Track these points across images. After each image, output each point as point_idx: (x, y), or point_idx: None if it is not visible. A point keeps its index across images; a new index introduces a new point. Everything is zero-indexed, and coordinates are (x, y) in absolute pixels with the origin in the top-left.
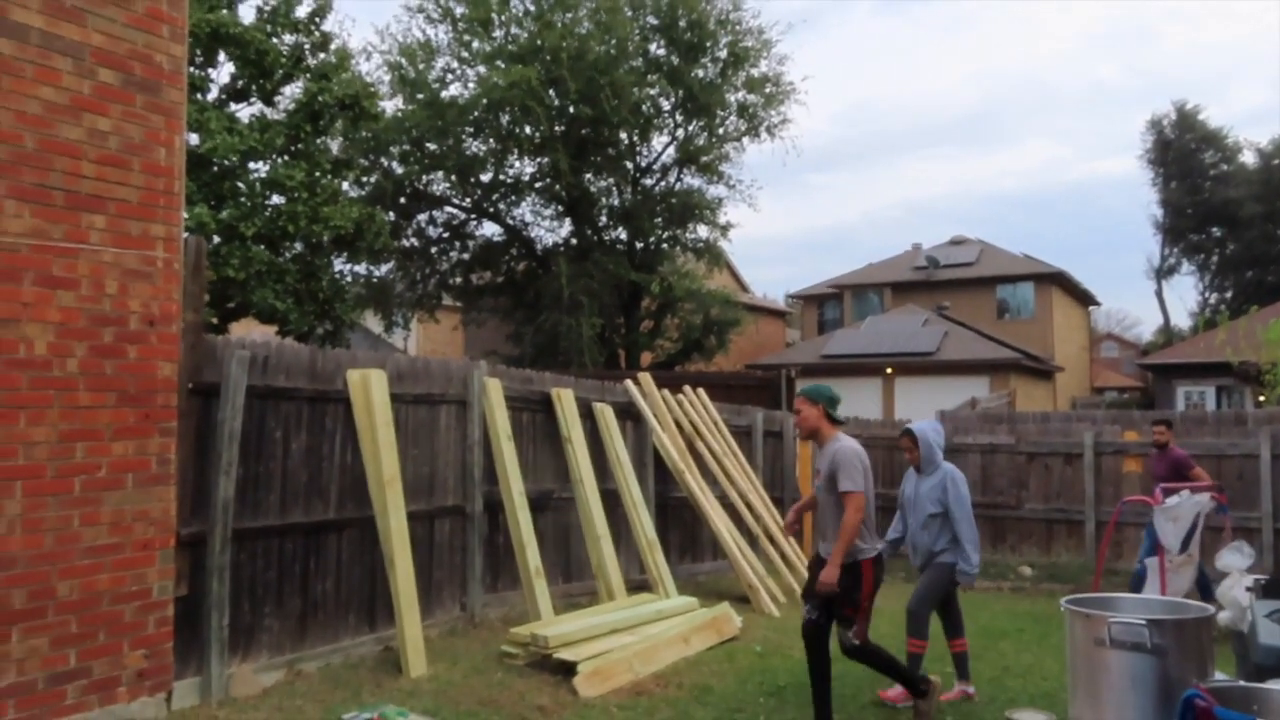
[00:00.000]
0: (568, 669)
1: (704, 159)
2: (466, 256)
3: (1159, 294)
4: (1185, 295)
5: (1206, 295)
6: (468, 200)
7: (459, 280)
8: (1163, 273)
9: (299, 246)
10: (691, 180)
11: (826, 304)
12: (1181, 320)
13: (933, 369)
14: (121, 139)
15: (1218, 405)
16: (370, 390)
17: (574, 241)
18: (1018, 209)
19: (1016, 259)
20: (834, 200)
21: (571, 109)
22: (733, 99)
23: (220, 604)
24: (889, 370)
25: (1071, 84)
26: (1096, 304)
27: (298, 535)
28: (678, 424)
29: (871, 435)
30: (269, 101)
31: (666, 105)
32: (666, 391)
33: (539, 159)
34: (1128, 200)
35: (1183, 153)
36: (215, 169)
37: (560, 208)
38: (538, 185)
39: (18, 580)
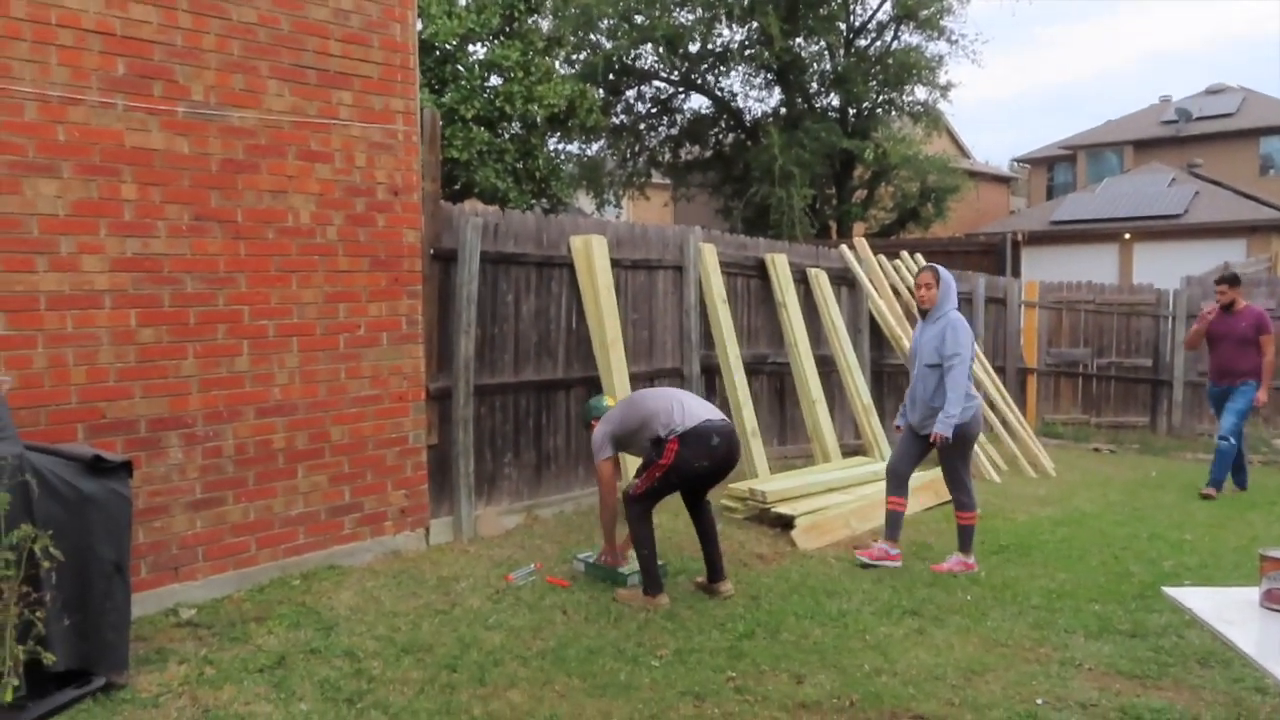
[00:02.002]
0: (785, 523)
1: (924, 13)
2: (675, 131)
3: None
4: None
5: None
6: (675, 74)
7: (668, 156)
8: None
9: (516, 126)
10: (909, 38)
11: (1057, 167)
12: None
13: (1179, 233)
14: (362, 17)
15: None
16: (592, 254)
17: (784, 110)
18: None
19: None
20: (1067, 56)
21: None
22: None
23: (466, 452)
24: (1127, 235)
25: None
26: None
27: (530, 392)
28: (894, 290)
29: (1105, 301)
30: None
31: None
32: (883, 257)
33: (748, 24)
34: None
35: None
36: (437, 53)
37: (769, 76)
38: (747, 53)
39: (300, 425)
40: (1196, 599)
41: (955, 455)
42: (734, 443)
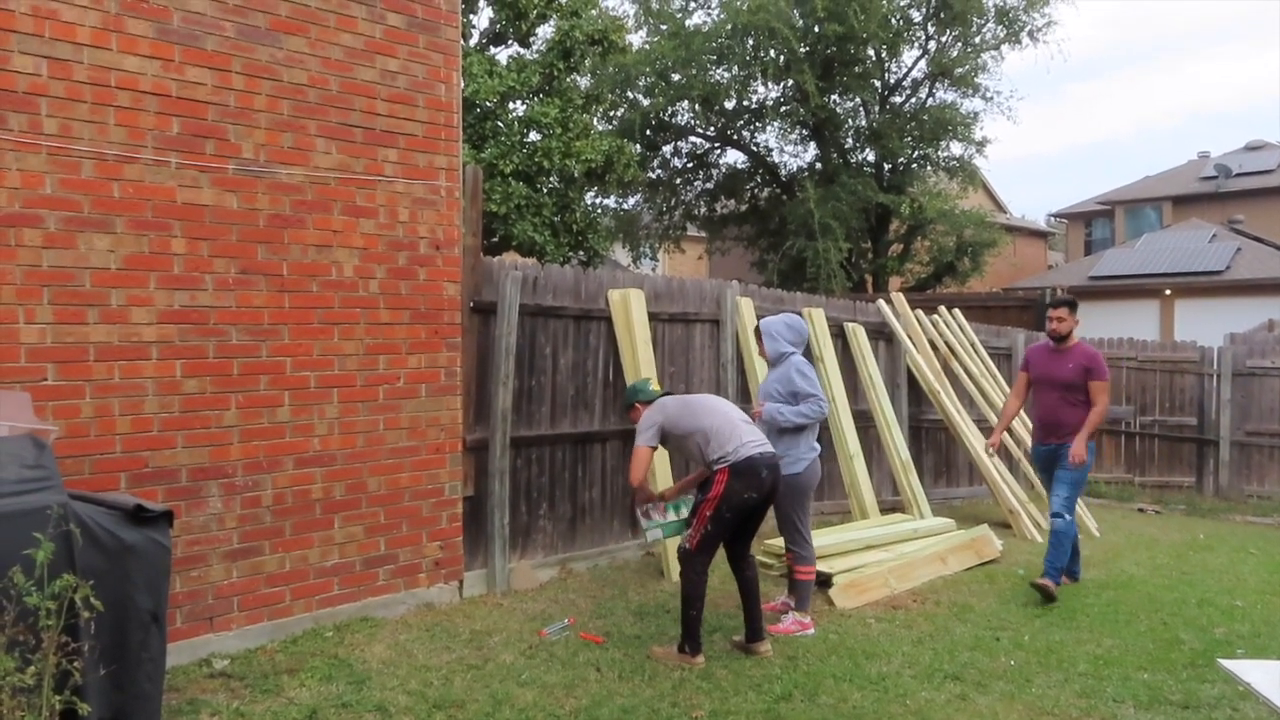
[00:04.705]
0: (822, 581)
1: (958, 71)
2: (710, 185)
3: None
4: None
5: None
6: (712, 129)
7: (703, 210)
8: None
9: (554, 181)
10: (944, 95)
11: (1095, 222)
12: None
13: (1221, 289)
14: (408, 78)
15: None
16: (630, 308)
17: (819, 165)
18: None
19: None
20: (1102, 112)
21: (817, 28)
22: (990, 3)
23: (501, 504)
24: (1167, 292)
25: None
26: None
27: (566, 445)
28: (932, 345)
29: (1148, 358)
30: (524, 43)
31: (917, 16)
32: (920, 312)
33: (783, 82)
34: None
35: None
36: (478, 110)
37: (805, 131)
38: (783, 109)
39: (337, 475)
40: (1255, 673)
41: (789, 503)
42: (779, 473)
